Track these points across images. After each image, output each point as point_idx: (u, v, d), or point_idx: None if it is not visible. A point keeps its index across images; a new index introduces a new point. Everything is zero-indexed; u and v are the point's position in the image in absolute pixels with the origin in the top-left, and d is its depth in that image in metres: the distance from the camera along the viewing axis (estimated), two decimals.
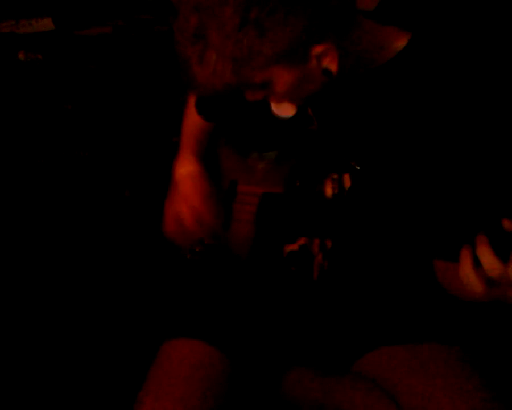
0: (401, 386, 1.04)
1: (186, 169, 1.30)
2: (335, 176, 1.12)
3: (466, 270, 0.85)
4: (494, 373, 1.04)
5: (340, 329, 1.18)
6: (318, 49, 0.91)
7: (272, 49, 0.87)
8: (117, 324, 1.61)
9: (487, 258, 0.83)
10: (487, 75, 1.01)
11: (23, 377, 1.53)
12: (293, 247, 1.17)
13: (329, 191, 1.13)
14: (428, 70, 1.01)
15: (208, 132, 1.33)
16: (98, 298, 1.67)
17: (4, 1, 1.88)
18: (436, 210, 1.00)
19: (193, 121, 1.33)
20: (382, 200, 1.07)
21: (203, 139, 1.33)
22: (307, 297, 1.19)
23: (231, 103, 1.18)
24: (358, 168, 1.09)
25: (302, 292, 1.19)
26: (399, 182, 1.04)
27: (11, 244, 1.75)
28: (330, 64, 0.93)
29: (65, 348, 1.58)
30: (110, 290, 1.68)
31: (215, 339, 1.14)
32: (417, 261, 1.10)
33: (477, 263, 0.85)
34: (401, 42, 1.02)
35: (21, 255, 1.74)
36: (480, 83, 1.00)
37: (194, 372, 1.08)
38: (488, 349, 1.15)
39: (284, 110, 1.14)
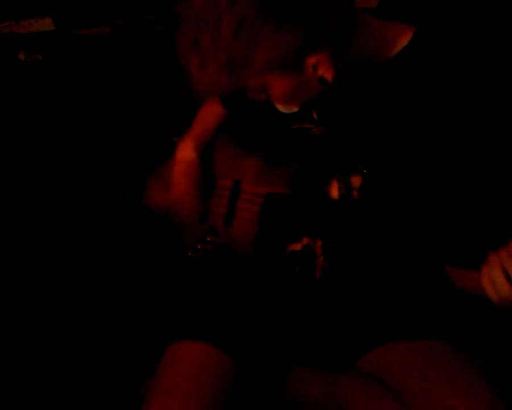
0: (407, 384, 1.04)
1: (185, 153, 1.35)
2: (341, 178, 1.13)
3: (494, 274, 0.84)
4: (501, 373, 1.03)
5: (342, 328, 1.18)
6: (312, 60, 0.92)
7: (265, 58, 0.89)
8: (121, 326, 1.61)
9: None
10: (491, 70, 1.00)
11: (25, 379, 1.53)
12: (296, 247, 1.18)
13: (335, 192, 1.13)
14: (432, 66, 1.00)
15: (216, 128, 1.39)
16: (100, 299, 1.66)
17: (4, 1, 1.88)
18: (446, 213, 0.99)
19: (206, 112, 1.39)
20: (390, 203, 1.07)
21: (210, 133, 1.39)
22: (309, 297, 1.19)
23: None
24: (365, 171, 1.09)
25: (305, 293, 1.19)
26: (407, 183, 1.04)
27: (11, 244, 1.75)
28: (326, 73, 0.95)
29: (69, 351, 1.57)
30: (112, 290, 1.68)
31: (220, 340, 1.14)
32: (424, 263, 1.10)
33: None
34: (405, 38, 1.02)
35: (22, 255, 1.74)
36: (486, 79, 0.99)
37: (202, 373, 1.08)
38: (494, 347, 1.14)
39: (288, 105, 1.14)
